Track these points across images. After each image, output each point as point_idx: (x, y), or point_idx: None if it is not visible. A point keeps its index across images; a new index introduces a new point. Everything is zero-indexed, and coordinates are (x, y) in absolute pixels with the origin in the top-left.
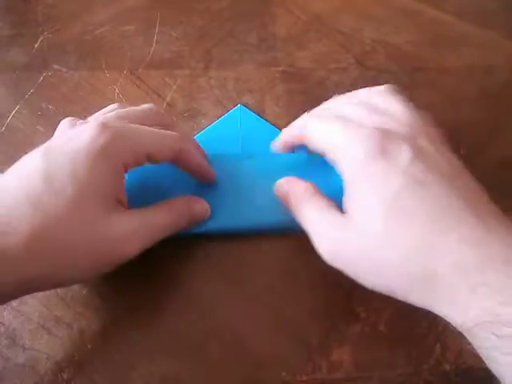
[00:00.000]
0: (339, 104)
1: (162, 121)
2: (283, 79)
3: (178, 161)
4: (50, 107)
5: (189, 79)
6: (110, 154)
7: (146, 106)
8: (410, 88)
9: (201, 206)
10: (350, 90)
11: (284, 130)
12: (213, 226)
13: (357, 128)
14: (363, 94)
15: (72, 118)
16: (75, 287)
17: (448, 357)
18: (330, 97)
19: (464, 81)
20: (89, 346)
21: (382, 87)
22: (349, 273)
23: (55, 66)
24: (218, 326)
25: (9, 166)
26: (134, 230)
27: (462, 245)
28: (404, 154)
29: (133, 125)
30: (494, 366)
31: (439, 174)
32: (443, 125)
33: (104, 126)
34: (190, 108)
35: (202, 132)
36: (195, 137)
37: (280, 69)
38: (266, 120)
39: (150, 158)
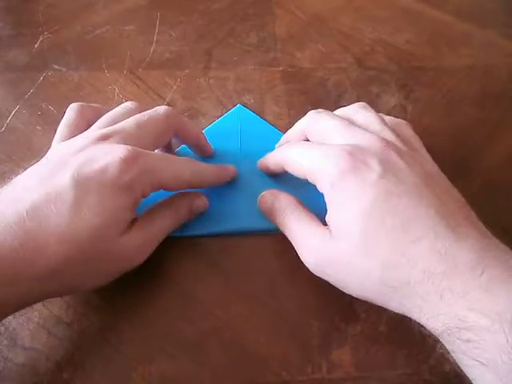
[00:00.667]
0: (317, 119)
1: (178, 124)
2: (283, 79)
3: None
4: (50, 107)
5: (189, 79)
6: (135, 189)
7: (161, 110)
8: (409, 88)
9: (200, 200)
10: (350, 90)
11: (267, 155)
12: (208, 229)
13: (327, 150)
14: (340, 112)
15: (82, 107)
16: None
17: (448, 357)
18: (330, 97)
19: (464, 81)
20: (89, 346)
21: (356, 104)
22: (334, 283)
23: (55, 66)
24: (218, 325)
25: (9, 166)
26: (141, 244)
27: (431, 254)
28: (373, 168)
29: (155, 156)
30: (465, 369)
31: (410, 184)
32: (443, 125)
33: (132, 160)
34: (189, 108)
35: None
36: None
37: (280, 69)
38: (265, 120)
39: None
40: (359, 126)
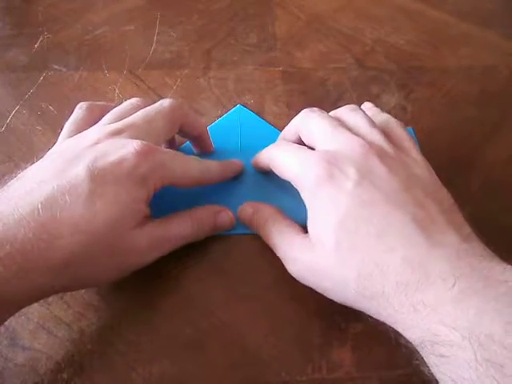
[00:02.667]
0: (308, 120)
1: (184, 116)
2: (283, 79)
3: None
4: (50, 107)
5: (189, 79)
6: (148, 182)
7: (166, 103)
8: (409, 88)
9: (226, 214)
10: (350, 90)
11: (258, 154)
12: None
13: (308, 156)
14: (333, 113)
15: (90, 105)
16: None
17: None
18: (330, 97)
19: (464, 81)
20: (89, 346)
21: (347, 106)
22: (316, 289)
23: (55, 66)
24: (218, 326)
25: (9, 166)
26: (155, 242)
27: (404, 264)
28: (350, 176)
29: (166, 151)
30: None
31: (387, 191)
32: (443, 125)
33: (146, 154)
34: (190, 108)
35: None
36: None
37: (280, 69)
38: (265, 120)
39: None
40: (349, 128)
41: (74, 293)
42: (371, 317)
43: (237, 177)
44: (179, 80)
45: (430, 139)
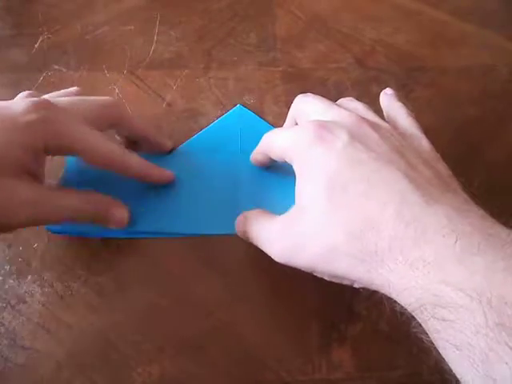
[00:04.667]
0: (302, 102)
1: (117, 115)
2: (283, 79)
3: (118, 126)
4: None
5: (189, 79)
6: (35, 133)
7: (101, 98)
8: (409, 88)
9: (120, 212)
10: (350, 90)
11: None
12: (209, 230)
13: (299, 127)
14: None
15: (30, 92)
16: (76, 287)
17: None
18: (330, 97)
19: (464, 81)
20: (88, 346)
21: (344, 98)
22: (303, 267)
23: (55, 66)
24: (218, 326)
25: None
26: (29, 201)
27: (398, 219)
28: (340, 136)
29: (71, 117)
30: (442, 352)
31: (378, 151)
32: (443, 125)
33: (40, 105)
34: (189, 108)
35: (202, 132)
36: (195, 137)
37: (280, 69)
38: (265, 120)
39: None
40: (346, 108)
41: (74, 293)
42: (368, 317)
43: (235, 178)
44: (179, 80)
45: (430, 139)
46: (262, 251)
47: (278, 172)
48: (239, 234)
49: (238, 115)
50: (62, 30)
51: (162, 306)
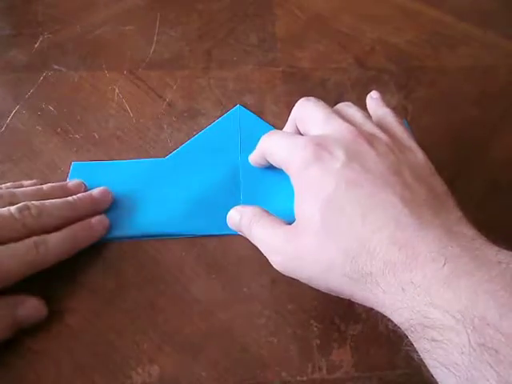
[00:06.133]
0: (303, 109)
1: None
2: (283, 79)
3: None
4: (50, 107)
5: (189, 79)
6: None
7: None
8: (409, 88)
9: (25, 309)
10: (350, 90)
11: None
12: (210, 230)
13: (297, 140)
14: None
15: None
16: (76, 287)
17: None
18: (330, 97)
19: (464, 81)
20: (89, 346)
21: (342, 103)
22: (302, 280)
23: (55, 66)
24: (218, 325)
25: (8, 166)
26: None
27: (391, 243)
28: (338, 157)
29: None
30: (431, 371)
31: (375, 173)
32: (443, 125)
33: None
34: (190, 108)
35: (201, 132)
36: (195, 137)
37: (280, 69)
38: (265, 120)
39: None
40: (342, 117)
41: (74, 292)
42: (368, 318)
43: (235, 178)
44: (179, 80)
45: (430, 139)
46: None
47: (278, 172)
48: (232, 228)
49: (237, 115)
50: (62, 30)
51: (161, 305)
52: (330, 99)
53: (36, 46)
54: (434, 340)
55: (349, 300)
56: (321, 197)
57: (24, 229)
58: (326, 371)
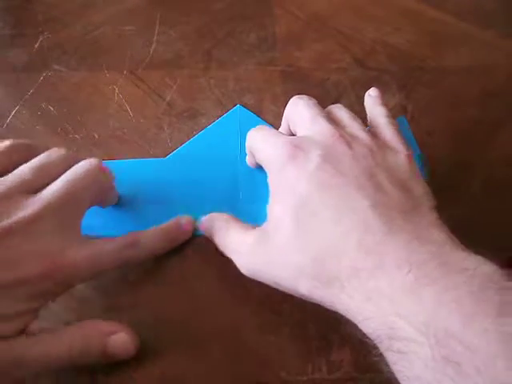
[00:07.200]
0: (293, 108)
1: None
2: (283, 79)
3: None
4: (50, 107)
5: (189, 79)
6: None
7: (88, 164)
8: (410, 88)
9: (117, 341)
10: (350, 91)
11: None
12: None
13: (278, 140)
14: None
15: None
16: (76, 287)
17: None
18: (330, 97)
19: (464, 81)
20: None
21: (333, 105)
22: (270, 283)
23: (55, 66)
24: (218, 325)
25: None
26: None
27: (359, 249)
28: (312, 159)
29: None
30: (400, 381)
31: (349, 176)
32: (443, 124)
33: (49, 272)
34: (190, 108)
35: (201, 132)
36: (194, 137)
37: (279, 69)
38: (265, 120)
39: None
40: (330, 119)
41: (73, 292)
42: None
43: (235, 178)
44: (179, 80)
45: (431, 139)
46: None
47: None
48: (205, 233)
49: (237, 115)
50: (62, 30)
51: (161, 306)
52: (330, 99)
53: (36, 46)
54: (399, 352)
55: None
56: (293, 198)
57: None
58: (326, 371)
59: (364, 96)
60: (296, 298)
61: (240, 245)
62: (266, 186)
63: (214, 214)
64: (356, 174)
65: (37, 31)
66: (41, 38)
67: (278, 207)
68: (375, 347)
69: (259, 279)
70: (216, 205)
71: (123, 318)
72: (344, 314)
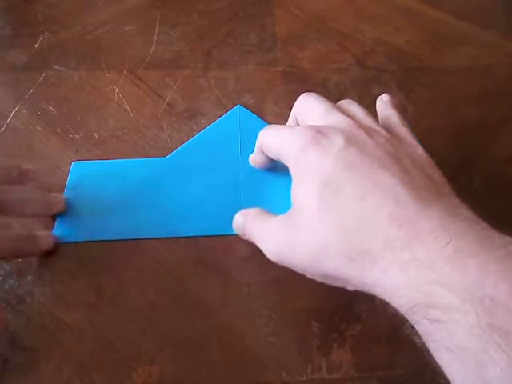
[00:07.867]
0: (304, 102)
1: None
2: (283, 79)
3: None
4: (50, 107)
5: (189, 79)
6: None
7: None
8: (410, 88)
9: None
10: (351, 91)
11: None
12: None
13: (296, 129)
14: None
15: None
16: (76, 287)
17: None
18: (331, 97)
19: (464, 81)
20: (89, 346)
21: (345, 100)
22: (296, 268)
23: (55, 66)
24: (218, 325)
25: None
26: None
27: (391, 221)
28: (336, 142)
29: None
30: (434, 354)
31: (373, 157)
32: (443, 125)
33: None
34: (190, 108)
35: (201, 132)
36: (194, 138)
37: (280, 69)
38: (265, 120)
39: None
40: (342, 112)
41: (74, 292)
42: (368, 317)
43: (235, 179)
44: (179, 80)
45: (431, 139)
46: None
47: (278, 172)
48: (237, 232)
49: (237, 115)
50: (62, 30)
51: (161, 305)
52: (331, 99)
53: (36, 46)
54: (437, 321)
55: (349, 300)
56: (317, 177)
57: None
58: (326, 371)
59: (365, 96)
60: (295, 297)
61: (266, 231)
62: (266, 185)
63: (244, 211)
64: (379, 155)
65: (37, 31)
66: (41, 38)
67: (301, 189)
68: (406, 321)
69: (286, 264)
70: (216, 205)
71: (123, 320)
72: (371, 291)
